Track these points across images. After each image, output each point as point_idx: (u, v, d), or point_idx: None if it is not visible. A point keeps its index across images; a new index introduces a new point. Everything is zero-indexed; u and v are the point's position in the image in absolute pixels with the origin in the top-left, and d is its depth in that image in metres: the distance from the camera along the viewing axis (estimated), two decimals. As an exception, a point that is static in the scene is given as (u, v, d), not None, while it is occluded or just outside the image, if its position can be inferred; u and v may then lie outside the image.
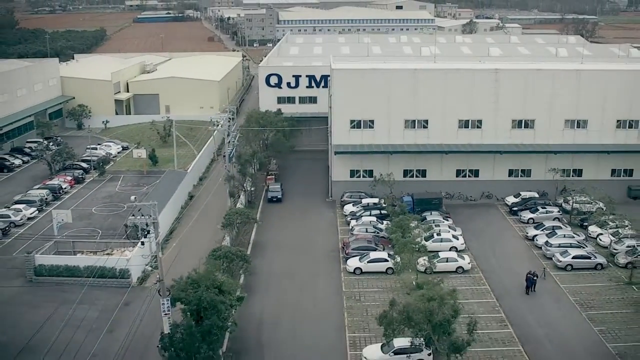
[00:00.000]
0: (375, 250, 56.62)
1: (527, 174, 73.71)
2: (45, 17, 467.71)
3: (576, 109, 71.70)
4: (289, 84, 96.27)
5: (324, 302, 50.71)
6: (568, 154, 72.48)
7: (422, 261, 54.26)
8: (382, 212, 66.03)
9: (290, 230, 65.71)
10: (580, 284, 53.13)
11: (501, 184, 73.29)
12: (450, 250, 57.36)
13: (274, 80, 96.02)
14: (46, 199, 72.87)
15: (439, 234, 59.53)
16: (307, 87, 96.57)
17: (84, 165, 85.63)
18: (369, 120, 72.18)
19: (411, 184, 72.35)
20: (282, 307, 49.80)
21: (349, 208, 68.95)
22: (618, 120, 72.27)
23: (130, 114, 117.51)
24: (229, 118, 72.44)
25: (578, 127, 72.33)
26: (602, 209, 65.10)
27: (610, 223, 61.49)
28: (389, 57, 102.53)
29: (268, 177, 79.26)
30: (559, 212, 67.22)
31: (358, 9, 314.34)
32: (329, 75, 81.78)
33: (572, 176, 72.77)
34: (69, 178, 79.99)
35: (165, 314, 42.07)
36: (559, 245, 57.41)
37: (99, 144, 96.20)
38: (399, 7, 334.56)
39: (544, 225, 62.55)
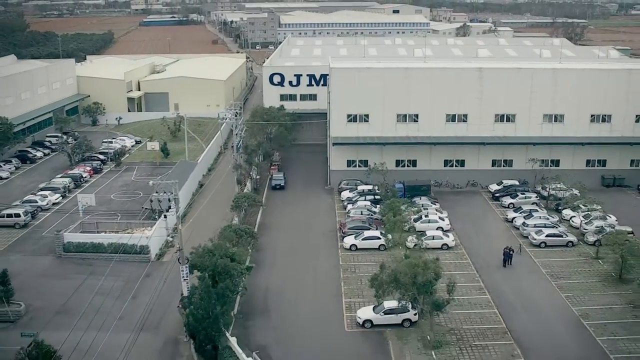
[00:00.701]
0: (369, 229, 61.51)
1: (509, 164, 78.55)
2: (54, 20, 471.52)
3: (553, 104, 76.53)
4: (290, 83, 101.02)
5: (324, 273, 55.57)
6: (546, 146, 77.25)
7: (411, 239, 59.05)
8: (376, 197, 70.84)
9: (293, 213, 70.57)
10: (552, 259, 58.00)
11: (485, 173, 78.16)
12: (437, 230, 62.19)
13: (277, 79, 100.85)
14: (69, 186, 77.70)
15: (426, 216, 64.41)
16: (307, 85, 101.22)
17: (101, 157, 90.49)
18: (364, 115, 77.06)
19: (403, 172, 77.17)
20: (286, 278, 54.70)
21: (345, 194, 73.79)
22: (592, 115, 77.10)
23: (141, 111, 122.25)
24: (236, 112, 77.36)
25: (555, 121, 77.17)
26: (577, 195, 69.93)
27: (582, 207, 66.27)
28: (384, 58, 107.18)
29: (272, 167, 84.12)
30: (536, 197, 72.11)
31: (356, 13, 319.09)
32: (327, 75, 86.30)
33: (550, 166, 77.32)
34: (89, 168, 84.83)
35: (184, 280, 47.10)
36: (535, 226, 62.34)
37: (113, 138, 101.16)
38: (396, 11, 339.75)
39: (522, 209, 67.55)
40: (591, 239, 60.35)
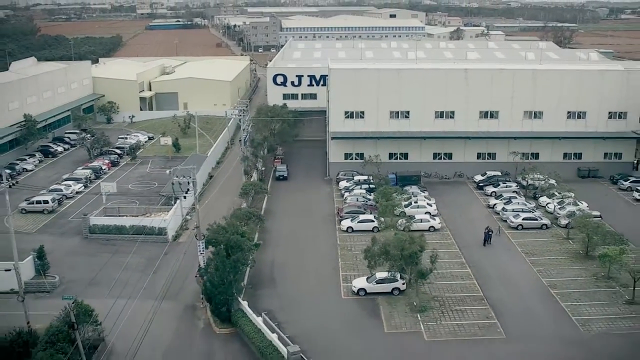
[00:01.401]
0: (363, 213, 66.78)
1: (493, 156, 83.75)
2: (62, 24, 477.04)
3: (533, 102, 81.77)
4: (292, 83, 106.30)
5: (323, 251, 60.81)
6: (526, 140, 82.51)
7: (401, 222, 64.25)
8: (371, 186, 76.03)
9: (295, 200, 75.82)
10: (528, 239, 63.28)
11: (471, 165, 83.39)
12: (425, 214, 67.40)
13: (280, 79, 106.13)
14: (90, 177, 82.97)
15: (416, 202, 69.67)
16: (308, 85, 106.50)
17: (118, 151, 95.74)
18: (360, 112, 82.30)
19: (395, 164, 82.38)
20: (289, 255, 59.94)
21: (343, 184, 79.01)
22: (568, 112, 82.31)
23: (152, 110, 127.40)
24: (243, 109, 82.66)
25: (535, 117, 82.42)
26: (554, 184, 75.15)
27: (556, 194, 71.52)
28: (379, 60, 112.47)
29: (275, 159, 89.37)
30: (516, 186, 77.38)
31: (354, 18, 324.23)
32: (327, 75, 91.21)
33: (530, 159, 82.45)
34: (107, 161, 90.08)
35: (200, 254, 52.30)
36: (513, 210, 67.66)
37: (127, 135, 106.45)
38: (393, 16, 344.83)
39: (503, 196, 72.84)
40: (563, 222, 65.59)
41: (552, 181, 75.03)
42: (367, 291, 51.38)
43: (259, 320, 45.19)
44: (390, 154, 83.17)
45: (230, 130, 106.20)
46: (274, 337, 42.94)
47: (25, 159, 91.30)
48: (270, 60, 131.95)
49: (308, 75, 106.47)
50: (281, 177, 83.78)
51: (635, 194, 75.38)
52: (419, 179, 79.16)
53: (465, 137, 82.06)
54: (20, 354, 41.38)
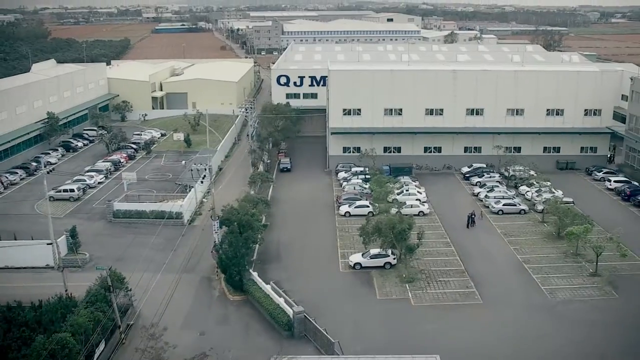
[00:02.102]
0: (360, 200, 72.30)
1: (478, 150, 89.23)
2: (71, 27, 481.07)
3: (515, 100, 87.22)
4: (295, 83, 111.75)
5: (323, 232, 66.33)
6: (509, 135, 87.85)
7: (394, 209, 69.62)
8: (366, 176, 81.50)
9: (298, 189, 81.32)
10: (507, 223, 68.80)
11: (458, 158, 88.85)
12: (415, 201, 72.85)
13: (283, 80, 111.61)
14: (110, 169, 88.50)
15: (407, 190, 75.17)
16: (309, 85, 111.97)
17: (134, 146, 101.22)
18: (357, 109, 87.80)
19: (389, 157, 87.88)
20: (293, 235, 65.44)
21: (341, 175, 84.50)
22: (547, 109, 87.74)
23: (163, 108, 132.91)
24: (251, 107, 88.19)
25: (517, 114, 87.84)
26: (533, 175, 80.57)
27: (535, 183, 76.98)
28: (375, 62, 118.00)
29: (279, 153, 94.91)
30: (499, 177, 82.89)
31: (353, 22, 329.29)
32: (326, 76, 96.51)
33: (513, 152, 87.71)
34: (125, 155, 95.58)
35: (215, 232, 57.84)
36: (494, 197, 73.20)
37: (142, 131, 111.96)
38: (390, 20, 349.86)
39: (486, 185, 78.37)
40: (539, 207, 71.10)
41: (532, 172, 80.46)
42: (362, 265, 56.89)
43: (267, 288, 50.71)
44: (384, 147, 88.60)
45: (237, 127, 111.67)
46: (281, 301, 48.45)
47: (49, 153, 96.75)
48: (273, 63, 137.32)
49: (309, 76, 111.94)
50: (285, 169, 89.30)
51: (607, 184, 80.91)
52: (411, 171, 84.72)
53: (453, 132, 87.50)
54: (63, 314, 46.78)
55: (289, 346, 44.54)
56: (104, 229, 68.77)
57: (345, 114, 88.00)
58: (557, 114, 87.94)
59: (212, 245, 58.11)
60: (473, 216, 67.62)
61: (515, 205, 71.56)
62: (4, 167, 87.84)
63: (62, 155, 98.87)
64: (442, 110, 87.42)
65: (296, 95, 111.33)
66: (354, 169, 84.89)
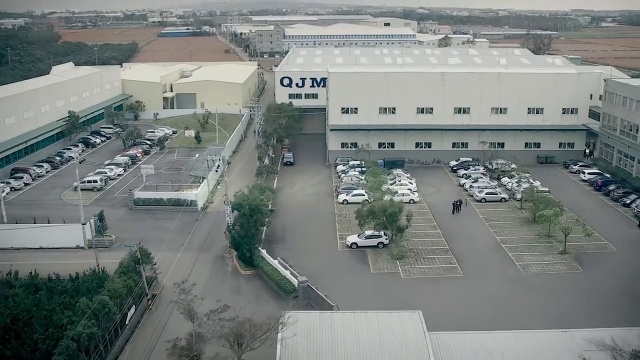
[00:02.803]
0: (356, 189, 78.16)
1: (465, 145, 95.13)
2: (80, 31, 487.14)
3: (499, 100, 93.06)
4: (297, 84, 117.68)
5: (323, 218, 72.17)
6: (494, 132, 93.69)
7: (387, 198, 75.42)
8: (362, 169, 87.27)
9: (300, 181, 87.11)
10: (489, 209, 74.68)
11: (447, 152, 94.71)
12: (406, 190, 78.65)
13: (286, 81, 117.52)
14: (128, 163, 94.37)
15: (399, 181, 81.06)
16: (310, 86, 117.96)
17: (148, 142, 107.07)
18: (354, 108, 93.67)
19: (383, 152, 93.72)
20: (297, 220, 71.28)
21: (340, 168, 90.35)
22: (529, 108, 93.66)
23: (174, 108, 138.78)
24: (257, 106, 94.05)
25: (500, 113, 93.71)
26: (515, 168, 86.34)
27: (515, 175, 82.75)
28: (372, 65, 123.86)
29: (283, 148, 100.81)
30: (484, 169, 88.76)
31: (351, 26, 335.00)
32: (326, 78, 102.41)
33: (497, 147, 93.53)
34: (140, 150, 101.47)
35: (228, 216, 63.69)
36: (478, 187, 79.10)
37: (155, 129, 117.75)
38: (387, 24, 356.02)
39: (471, 176, 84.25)
40: (518, 196, 76.92)
41: (513, 165, 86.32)
42: (358, 245, 62.73)
43: (275, 262, 56.58)
44: (379, 143, 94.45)
45: (243, 124, 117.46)
46: (287, 273, 54.32)
47: (70, 149, 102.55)
48: (276, 66, 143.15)
49: (310, 78, 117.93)
50: (288, 163, 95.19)
51: (582, 176, 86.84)
52: (403, 164, 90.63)
53: (442, 129, 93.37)
54: (97, 284, 52.54)
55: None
56: (126, 215, 74.59)
57: (343, 113, 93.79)
58: (538, 112, 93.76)
59: (225, 227, 63.97)
60: (458, 203, 73.51)
61: (497, 194, 77.47)
62: (31, 160, 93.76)
63: (82, 151, 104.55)
64: (432, 109, 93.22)
65: (298, 96, 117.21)
66: (351, 163, 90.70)
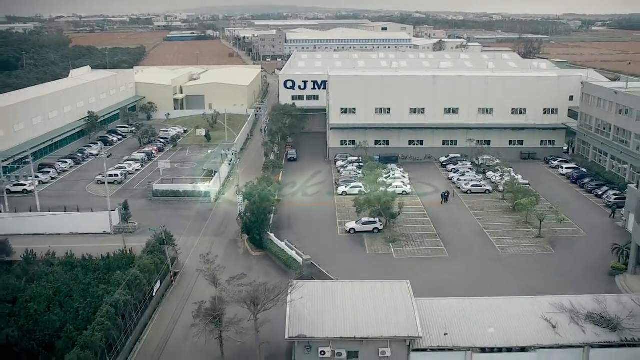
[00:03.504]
0: (354, 182, 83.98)
1: (454, 143, 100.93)
2: (88, 36, 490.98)
3: (485, 101, 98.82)
4: (299, 87, 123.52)
5: (324, 207, 77.93)
6: (480, 130, 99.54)
7: (382, 190, 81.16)
8: (360, 164, 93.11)
9: (303, 175, 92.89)
10: (474, 200, 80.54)
11: (437, 149, 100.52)
12: (400, 182, 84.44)
13: (289, 84, 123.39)
14: (144, 159, 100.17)
15: (393, 174, 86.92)
16: (312, 89, 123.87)
17: (162, 140, 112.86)
18: (353, 108, 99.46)
19: (379, 149, 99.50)
20: (301, 209, 77.14)
21: (339, 163, 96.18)
22: (512, 109, 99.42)
23: (183, 109, 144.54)
24: (263, 107, 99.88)
25: (486, 113, 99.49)
26: (499, 163, 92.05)
27: (499, 169, 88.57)
28: (369, 69, 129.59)
29: (287, 146, 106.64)
30: (471, 164, 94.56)
31: (350, 31, 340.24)
32: (327, 81, 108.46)
33: (484, 145, 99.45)
34: (155, 147, 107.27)
35: (239, 204, 69.55)
36: (465, 180, 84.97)
37: (167, 128, 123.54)
38: (384, 29, 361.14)
39: (459, 171, 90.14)
40: (501, 188, 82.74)
41: (497, 161, 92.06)
42: (356, 230, 68.57)
43: (282, 244, 62.44)
44: (375, 140, 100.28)
45: (249, 124, 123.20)
46: (293, 253, 60.17)
47: (90, 146, 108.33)
48: (279, 69, 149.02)
49: (312, 81, 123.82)
50: (292, 159, 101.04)
51: (560, 170, 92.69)
52: (397, 160, 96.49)
53: (433, 128, 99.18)
54: (126, 263, 58.34)
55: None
56: (146, 205, 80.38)
57: (342, 113, 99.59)
58: (521, 112, 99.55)
59: (236, 215, 69.84)
60: (446, 194, 79.38)
61: (481, 186, 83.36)
62: (56, 157, 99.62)
63: (101, 149, 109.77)
64: (423, 109, 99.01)
65: (301, 97, 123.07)
66: (349, 158, 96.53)
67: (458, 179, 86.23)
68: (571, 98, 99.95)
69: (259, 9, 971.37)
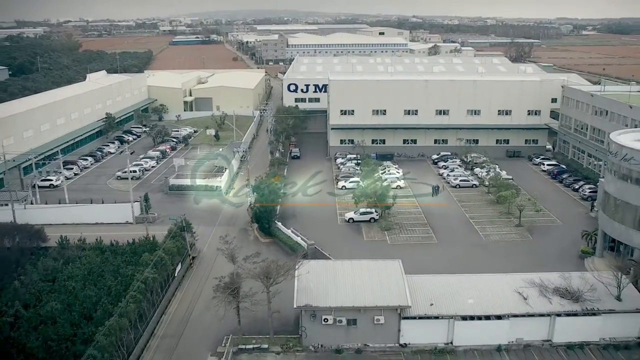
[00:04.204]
0: (352, 177, 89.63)
1: (445, 142, 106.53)
2: (96, 40, 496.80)
3: (474, 103, 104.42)
4: (302, 90, 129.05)
5: (326, 199, 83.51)
6: (469, 130, 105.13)
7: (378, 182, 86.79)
8: (358, 162, 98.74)
9: (306, 172, 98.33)
10: (462, 193, 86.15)
11: (429, 148, 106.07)
12: (394, 178, 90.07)
13: (292, 87, 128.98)
14: (159, 156, 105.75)
15: (389, 170, 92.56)
16: (313, 91, 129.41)
17: (174, 140, 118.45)
18: (351, 110, 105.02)
19: (376, 147, 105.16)
20: (304, 201, 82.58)
21: (339, 160, 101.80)
22: (499, 110, 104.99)
23: (193, 110, 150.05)
24: (269, 109, 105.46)
25: (475, 114, 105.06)
26: (486, 160, 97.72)
27: (485, 166, 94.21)
28: (366, 72, 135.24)
29: (290, 144, 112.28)
30: (460, 161, 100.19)
31: (349, 35, 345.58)
32: (327, 84, 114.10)
33: (472, 144, 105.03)
34: (169, 146, 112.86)
35: (249, 197, 75.16)
36: (454, 175, 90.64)
37: (178, 129, 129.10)
38: (382, 33, 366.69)
39: (449, 167, 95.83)
40: (487, 183, 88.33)
41: (484, 158, 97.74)
42: (354, 220, 74.19)
43: (288, 231, 68.08)
44: (372, 139, 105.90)
45: (255, 125, 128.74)
46: (298, 239, 65.80)
47: (108, 145, 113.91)
48: (281, 72, 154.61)
49: (313, 84, 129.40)
50: (295, 157, 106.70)
51: (542, 167, 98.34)
52: (393, 157, 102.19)
53: (426, 128, 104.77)
54: (150, 248, 63.86)
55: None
56: (163, 198, 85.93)
57: (342, 114, 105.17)
58: (507, 113, 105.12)
59: (248, 205, 75.48)
60: (437, 188, 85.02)
61: (469, 181, 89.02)
62: (77, 154, 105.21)
63: (118, 147, 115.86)
64: (416, 111, 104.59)
65: (303, 100, 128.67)
66: (348, 156, 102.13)
67: (448, 175, 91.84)
68: (555, 100, 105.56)
69: (260, 13, 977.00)
